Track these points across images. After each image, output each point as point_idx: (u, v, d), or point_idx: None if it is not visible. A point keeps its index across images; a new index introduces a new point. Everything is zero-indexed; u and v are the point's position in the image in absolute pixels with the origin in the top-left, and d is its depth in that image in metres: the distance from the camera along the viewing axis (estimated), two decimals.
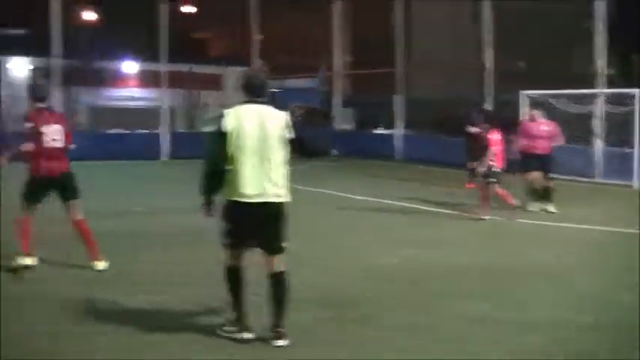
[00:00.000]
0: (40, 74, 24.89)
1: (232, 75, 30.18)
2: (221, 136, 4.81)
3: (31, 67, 27.75)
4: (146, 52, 27.64)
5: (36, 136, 6.75)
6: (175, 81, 25.05)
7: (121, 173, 18.24)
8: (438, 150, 20.00)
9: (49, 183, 6.89)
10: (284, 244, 4.94)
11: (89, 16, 31.41)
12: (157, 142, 23.35)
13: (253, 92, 4.99)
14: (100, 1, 30.14)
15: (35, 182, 6.85)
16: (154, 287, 6.32)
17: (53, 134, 6.81)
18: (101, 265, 6.95)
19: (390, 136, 23.66)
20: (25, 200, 6.87)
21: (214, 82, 30.51)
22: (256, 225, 4.85)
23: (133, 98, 28.96)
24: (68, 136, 7.03)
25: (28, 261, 6.81)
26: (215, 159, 4.88)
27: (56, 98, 22.86)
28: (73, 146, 7.19)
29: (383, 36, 25.21)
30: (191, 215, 6.20)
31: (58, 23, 22.67)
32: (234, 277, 4.95)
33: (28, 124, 6.76)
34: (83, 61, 27.06)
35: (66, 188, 6.97)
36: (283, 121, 4.95)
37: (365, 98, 26.47)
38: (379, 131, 25.77)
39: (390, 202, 12.55)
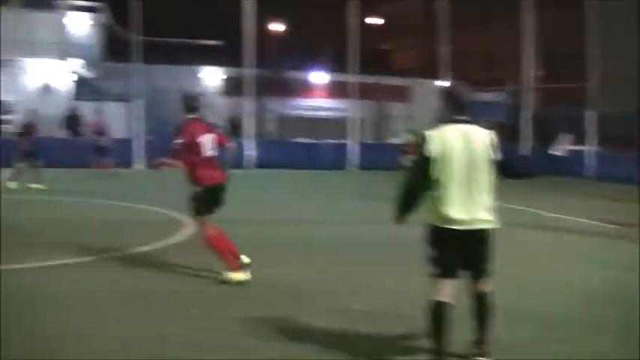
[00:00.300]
0: (231, 83, 26.26)
1: (419, 87, 30.26)
2: (425, 161, 4.50)
3: (224, 76, 29.45)
4: (335, 63, 28.28)
5: (194, 147, 6.71)
6: (363, 92, 25.47)
7: (310, 182, 18.73)
8: (631, 168, 18.87)
9: (217, 191, 6.82)
10: (490, 267, 4.69)
11: (277, 27, 32.55)
12: (344, 152, 23.83)
13: (458, 111, 4.63)
14: (288, 13, 31.20)
15: (206, 193, 6.75)
16: (354, 298, 6.35)
17: (208, 144, 6.79)
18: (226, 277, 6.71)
19: (579, 153, 22.58)
20: (201, 214, 6.80)
21: (401, 94, 30.62)
22: (464, 252, 4.58)
23: (321, 108, 29.77)
24: (223, 140, 7.04)
25: (242, 276, 6.66)
26: (416, 184, 4.62)
27: (248, 107, 24.29)
28: (231, 144, 7.28)
29: (573, 49, 24.15)
30: (381, 227, 6.14)
31: (251, 35, 23.82)
32: (438, 314, 4.56)
33: (182, 137, 6.69)
34: (273, 71, 28.19)
35: (223, 197, 6.89)
36: (488, 140, 4.62)
37: (553, 113, 25.42)
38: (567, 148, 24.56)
39: (583, 220, 12.01)
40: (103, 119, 18.59)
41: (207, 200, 6.77)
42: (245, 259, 6.72)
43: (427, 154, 4.49)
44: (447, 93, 4.79)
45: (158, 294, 6.26)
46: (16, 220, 10.04)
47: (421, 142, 4.53)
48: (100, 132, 17.86)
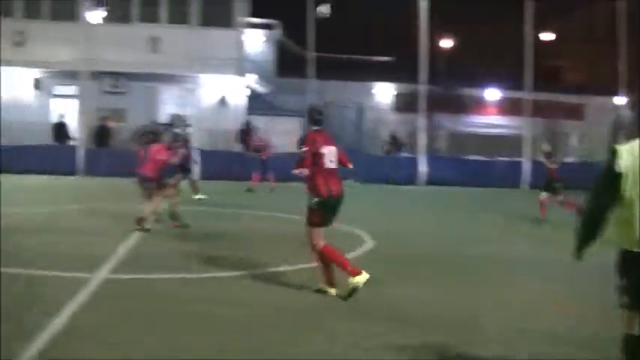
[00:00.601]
0: (402, 99, 26.11)
1: (593, 104, 28.62)
2: (612, 177, 4.09)
3: (395, 92, 29.44)
4: (508, 79, 27.50)
5: (316, 157, 6.74)
6: (536, 109, 24.51)
7: (481, 199, 18.20)
8: None
9: (336, 203, 6.80)
10: None
11: (447, 43, 32.20)
12: (518, 170, 22.99)
13: None
14: (459, 29, 30.74)
15: (322, 204, 6.71)
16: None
17: (330, 156, 6.82)
18: (361, 278, 6.52)
19: None
20: (314, 225, 6.71)
21: (575, 112, 29.22)
22: None
23: (492, 125, 29.00)
24: (343, 156, 7.08)
25: (363, 278, 6.50)
26: (602, 204, 4.17)
27: (420, 123, 24.08)
28: (350, 166, 7.18)
29: None
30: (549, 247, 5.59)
31: (424, 51, 23.61)
32: (631, 349, 4.12)
33: (307, 147, 6.76)
34: (444, 87, 27.82)
35: (337, 211, 6.86)
36: None
37: None
38: None
39: None
40: (266, 135, 19.18)
41: (323, 211, 6.75)
42: (364, 276, 6.50)
43: (617, 170, 4.06)
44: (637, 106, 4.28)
45: (327, 308, 6.14)
46: (200, 232, 10.38)
47: (611, 156, 4.09)
48: (262, 148, 18.32)
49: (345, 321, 5.70)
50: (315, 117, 7.10)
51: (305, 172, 6.75)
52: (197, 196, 14.56)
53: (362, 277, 6.47)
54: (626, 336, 4.07)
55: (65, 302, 5.71)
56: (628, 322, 4.07)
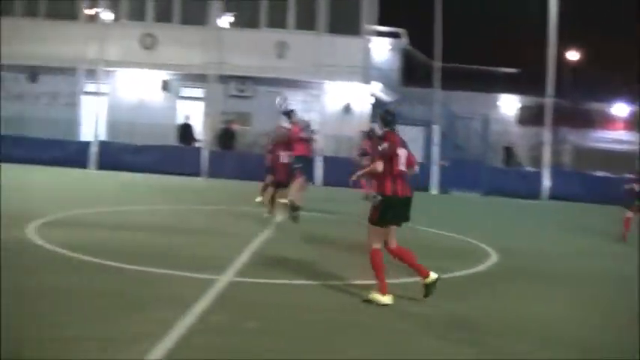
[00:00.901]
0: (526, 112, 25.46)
1: None
2: None
3: (519, 105, 28.73)
4: (638, 94, 26.35)
5: (391, 157, 6.84)
6: None
7: (609, 217, 17.41)
8: None
9: (397, 204, 6.80)
10: None
11: (573, 55, 31.13)
12: None
13: None
14: (586, 41, 29.68)
15: (385, 204, 6.76)
16: None
17: (402, 158, 6.90)
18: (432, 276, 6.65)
19: None
20: (374, 223, 6.74)
21: None
22: None
23: (621, 141, 27.83)
24: (412, 160, 7.05)
25: (386, 300, 6.49)
26: None
27: (545, 137, 23.35)
28: (416, 170, 7.15)
29: None
30: None
31: (552, 64, 22.88)
32: None
33: (386, 144, 6.86)
34: (571, 101, 26.93)
35: (406, 213, 6.87)
36: None
37: None
38: None
39: None
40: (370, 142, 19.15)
41: (384, 211, 6.75)
42: (433, 275, 6.61)
43: None
44: None
45: (456, 320, 6.03)
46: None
47: None
48: (366, 153, 18.26)
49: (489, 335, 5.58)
50: (386, 118, 7.20)
51: (375, 166, 6.84)
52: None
53: (385, 298, 6.47)
54: None
55: (192, 302, 5.85)
56: None
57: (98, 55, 22.58)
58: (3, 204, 10.43)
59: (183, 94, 24.92)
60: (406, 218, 6.88)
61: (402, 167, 6.88)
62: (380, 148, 6.87)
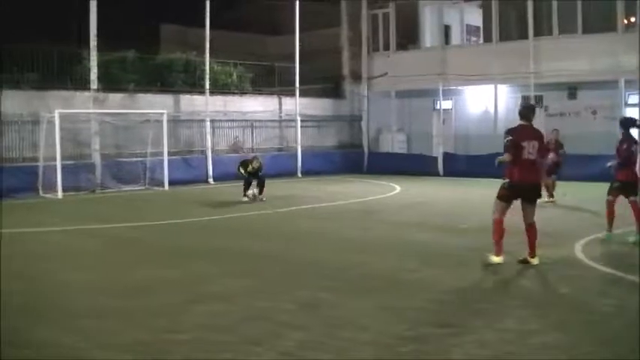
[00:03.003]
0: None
1: None
2: None
3: None
4: None
5: (517, 149, 9.39)
6: None
7: None
8: None
9: (522, 189, 9.57)
10: None
11: None
12: None
13: None
14: None
15: (511, 188, 9.61)
16: None
17: (530, 148, 9.41)
18: (534, 260, 9.73)
19: None
20: (501, 199, 9.71)
21: None
22: None
23: None
24: (543, 151, 9.83)
25: (497, 260, 9.67)
26: None
27: None
28: (548, 160, 10.07)
29: None
30: None
31: None
32: None
33: (509, 137, 9.50)
34: None
35: (532, 197, 9.70)
36: None
37: None
38: None
39: None
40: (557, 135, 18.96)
41: (509, 192, 9.65)
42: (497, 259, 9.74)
43: None
44: None
45: None
46: None
47: None
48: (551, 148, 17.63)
49: None
50: (521, 112, 9.71)
51: (507, 157, 9.46)
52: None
53: (497, 259, 9.66)
54: None
55: None
56: None
57: (638, 65, 23.48)
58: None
59: None
60: (530, 200, 9.67)
61: (529, 156, 9.40)
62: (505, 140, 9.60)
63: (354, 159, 31.45)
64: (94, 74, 23.40)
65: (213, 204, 18.79)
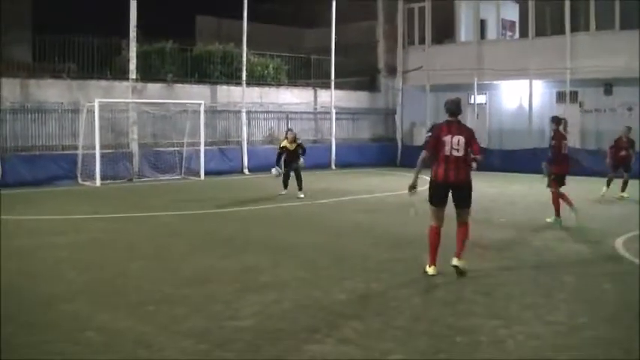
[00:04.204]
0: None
1: None
2: None
3: None
4: None
5: (438, 145, 8.88)
6: None
7: None
8: None
9: (444, 188, 8.92)
10: None
11: None
12: None
13: None
14: None
15: (434, 187, 8.97)
16: None
17: (454, 144, 8.82)
18: (456, 261, 8.95)
19: None
20: (430, 203, 9.04)
21: None
22: None
23: None
24: (475, 147, 9.08)
25: (430, 270, 9.00)
26: None
27: None
28: (478, 157, 9.15)
29: None
30: None
31: None
32: None
33: (428, 134, 9.32)
34: None
35: (461, 196, 9.00)
36: None
37: None
38: None
39: None
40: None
41: (433, 192, 9.00)
42: (454, 261, 8.97)
43: None
44: None
45: None
46: None
47: None
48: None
49: None
50: (447, 108, 9.16)
51: (424, 154, 9.01)
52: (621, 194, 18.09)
53: (430, 269, 9.00)
54: None
55: None
56: None
57: None
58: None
59: None
60: (458, 201, 9.02)
61: (455, 153, 8.81)
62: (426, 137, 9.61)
63: (388, 152, 31.61)
64: (132, 64, 23.84)
65: (251, 194, 19.05)
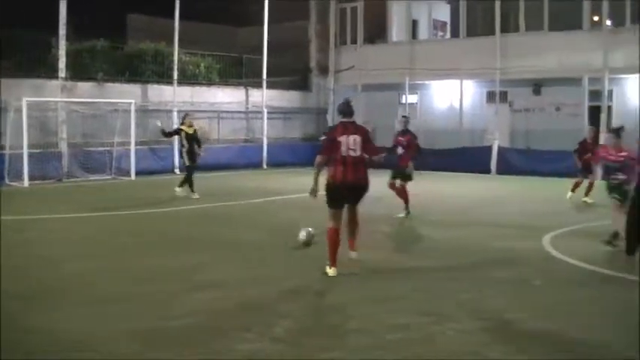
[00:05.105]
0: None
1: None
2: None
3: None
4: None
5: (334, 145, 8.81)
6: None
7: None
8: None
9: (344, 189, 8.82)
10: None
11: None
12: None
13: None
14: None
15: (333, 189, 8.82)
16: None
17: (350, 144, 8.75)
18: (353, 254, 9.14)
19: None
20: (328, 205, 8.90)
21: None
22: None
23: None
24: (369, 146, 8.96)
25: (330, 272, 8.86)
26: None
27: None
28: (374, 157, 9.07)
29: None
30: None
31: None
32: None
33: (323, 138, 9.26)
34: None
35: (357, 197, 8.98)
36: None
37: None
38: None
39: None
40: None
41: (332, 195, 8.86)
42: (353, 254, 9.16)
43: None
44: None
45: None
46: None
47: None
48: None
49: None
50: (339, 109, 9.14)
51: (319, 158, 8.93)
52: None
53: (330, 271, 8.82)
54: None
55: None
56: None
57: (603, 63, 24.07)
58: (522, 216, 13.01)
59: None
60: (353, 201, 8.97)
61: (352, 153, 8.75)
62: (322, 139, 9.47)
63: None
64: (62, 62, 23.40)
65: (183, 194, 18.89)
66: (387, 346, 6.35)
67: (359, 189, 9.00)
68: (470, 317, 7.23)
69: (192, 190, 17.81)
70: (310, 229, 9.86)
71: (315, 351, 6.18)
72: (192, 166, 17.99)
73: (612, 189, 10.84)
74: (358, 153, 8.87)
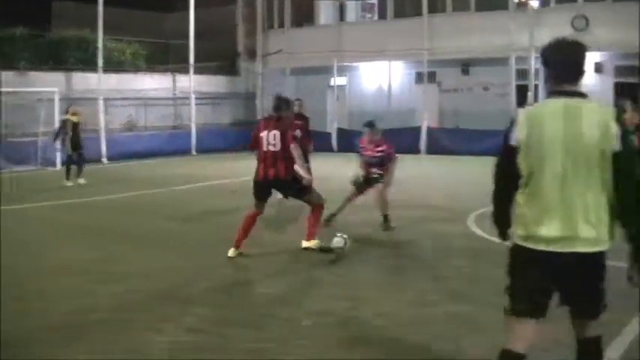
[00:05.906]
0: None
1: None
2: (508, 152, 3.83)
3: None
4: None
5: (258, 141, 9.01)
6: None
7: None
8: None
9: (263, 185, 9.05)
10: (604, 304, 3.85)
11: None
12: None
13: (561, 77, 3.77)
14: None
15: (255, 183, 9.09)
16: None
17: (270, 139, 8.88)
18: (305, 244, 9.32)
19: None
20: (254, 197, 9.14)
21: None
22: (561, 283, 3.79)
23: None
24: (289, 140, 8.90)
25: (231, 253, 9.05)
26: (502, 185, 4.00)
27: None
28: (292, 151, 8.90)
29: None
30: None
31: None
32: None
33: (254, 130, 9.20)
34: None
35: (290, 191, 9.23)
36: (608, 122, 3.64)
37: None
38: None
39: None
40: None
41: (255, 191, 9.14)
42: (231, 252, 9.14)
43: (511, 143, 3.82)
44: (549, 49, 3.86)
45: None
46: None
47: (508, 126, 3.87)
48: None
49: None
50: (273, 104, 9.34)
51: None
52: None
53: (231, 251, 9.02)
54: (505, 353, 3.87)
55: None
56: (510, 334, 3.91)
57: (529, 43, 24.40)
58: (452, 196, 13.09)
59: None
60: (268, 196, 9.22)
61: (271, 148, 8.86)
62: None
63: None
64: None
65: (110, 183, 18.59)
66: (303, 332, 6.34)
67: (283, 184, 9.13)
68: (389, 300, 7.29)
69: (67, 178, 18.07)
70: (345, 236, 9.42)
71: (236, 342, 6.11)
72: (72, 155, 18.16)
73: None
74: (278, 148, 8.96)
